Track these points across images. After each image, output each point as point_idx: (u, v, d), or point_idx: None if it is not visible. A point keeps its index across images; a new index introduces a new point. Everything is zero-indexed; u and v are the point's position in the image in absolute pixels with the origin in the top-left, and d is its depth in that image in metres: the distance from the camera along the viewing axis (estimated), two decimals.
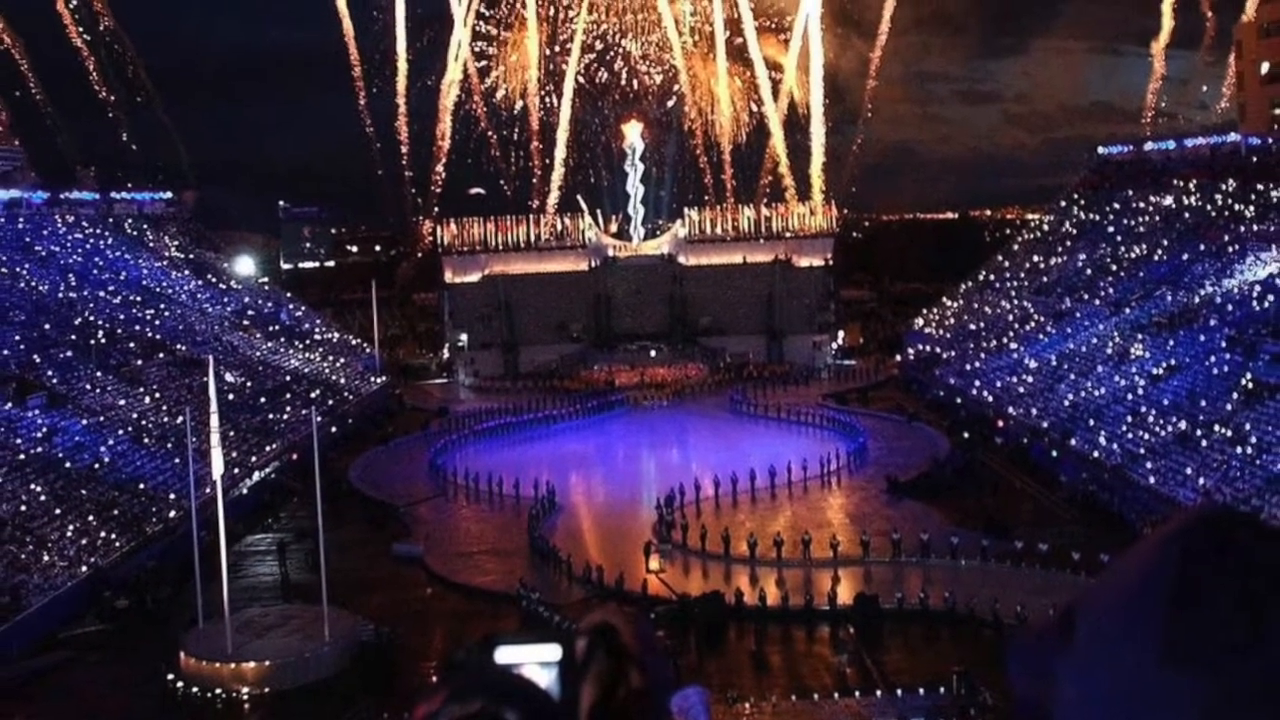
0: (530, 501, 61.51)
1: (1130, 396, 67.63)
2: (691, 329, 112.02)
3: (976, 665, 37.61)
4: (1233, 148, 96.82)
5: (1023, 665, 1.57)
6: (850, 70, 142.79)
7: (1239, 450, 55.82)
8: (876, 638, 43.99)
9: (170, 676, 41.52)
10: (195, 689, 40.89)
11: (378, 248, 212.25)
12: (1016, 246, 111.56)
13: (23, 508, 52.90)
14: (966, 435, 73.94)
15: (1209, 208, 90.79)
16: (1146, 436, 61.98)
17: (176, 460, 60.89)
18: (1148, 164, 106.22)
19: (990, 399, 79.71)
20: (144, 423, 68.38)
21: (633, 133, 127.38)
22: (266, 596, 50.70)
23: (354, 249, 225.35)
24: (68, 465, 59.25)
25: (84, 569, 50.22)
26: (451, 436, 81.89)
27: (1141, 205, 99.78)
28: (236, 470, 63.68)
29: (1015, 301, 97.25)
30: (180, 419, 60.31)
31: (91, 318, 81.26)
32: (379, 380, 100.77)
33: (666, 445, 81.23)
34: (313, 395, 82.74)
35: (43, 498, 54.64)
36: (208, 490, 51.08)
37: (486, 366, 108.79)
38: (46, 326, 75.63)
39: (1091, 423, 66.99)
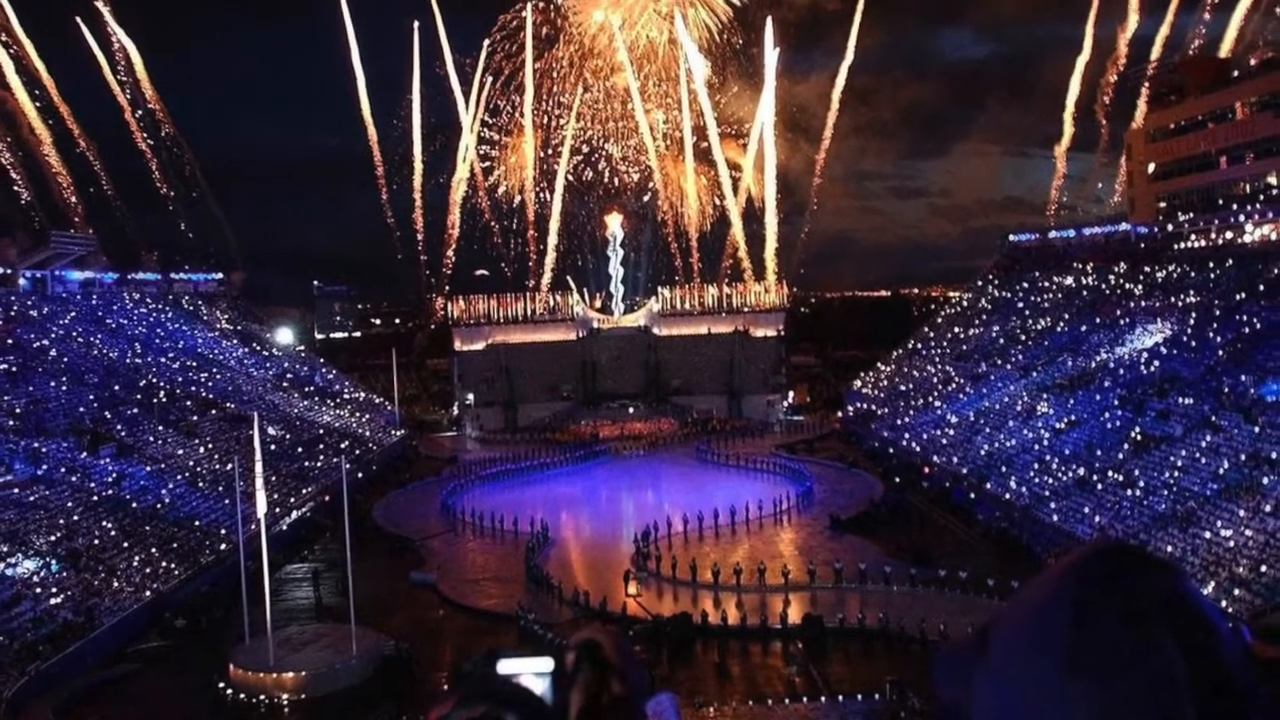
0: (527, 536, 61.63)
1: (1037, 447, 67.70)
2: (664, 389, 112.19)
3: (906, 675, 37.92)
4: (1124, 236, 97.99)
5: (946, 676, 1.63)
6: (799, 169, 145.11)
7: (1129, 493, 55.96)
8: (821, 652, 44.03)
9: (221, 685, 41.74)
10: (242, 696, 41.09)
11: (397, 320, 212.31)
12: (940, 319, 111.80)
13: (95, 541, 52.94)
14: (898, 480, 74.15)
15: (1104, 286, 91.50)
16: (1050, 481, 62.16)
17: (226, 501, 60.89)
18: (1051, 249, 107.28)
19: (918, 449, 79.76)
20: (199, 469, 68.25)
21: (614, 223, 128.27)
22: (303, 617, 50.63)
23: (377, 321, 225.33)
24: (134, 505, 59.19)
25: (148, 594, 50.32)
26: (460, 481, 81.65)
27: (1046, 284, 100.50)
28: (277, 510, 63.70)
29: (939, 366, 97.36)
30: (229, 466, 60.44)
31: (154, 380, 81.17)
32: (398, 433, 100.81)
33: (643, 488, 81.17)
34: (342, 446, 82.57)
35: (113, 533, 54.68)
36: (253, 526, 51.14)
37: (490, 421, 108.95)
38: (116, 387, 75.56)
39: (1004, 469, 67.17)
